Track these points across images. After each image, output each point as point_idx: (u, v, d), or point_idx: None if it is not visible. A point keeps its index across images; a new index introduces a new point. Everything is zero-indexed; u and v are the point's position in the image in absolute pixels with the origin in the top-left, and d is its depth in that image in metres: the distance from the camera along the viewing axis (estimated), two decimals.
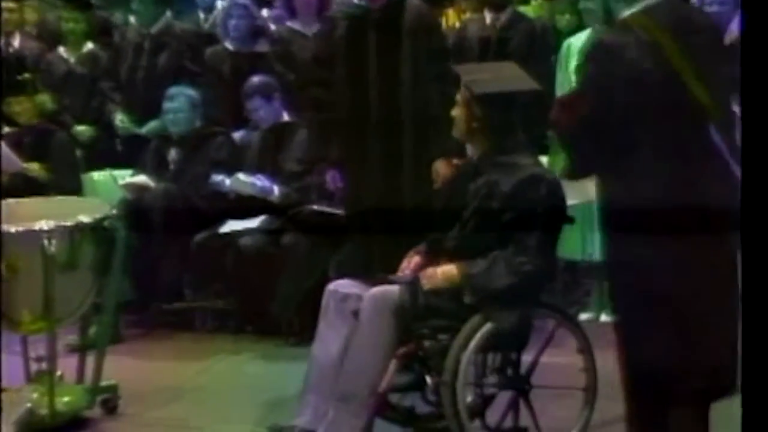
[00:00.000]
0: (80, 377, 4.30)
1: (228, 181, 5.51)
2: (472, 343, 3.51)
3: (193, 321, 5.57)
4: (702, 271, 2.92)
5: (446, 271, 3.59)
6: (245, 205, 5.48)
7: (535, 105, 3.78)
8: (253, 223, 5.44)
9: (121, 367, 4.46)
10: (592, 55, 3.07)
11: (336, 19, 4.85)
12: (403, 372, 3.63)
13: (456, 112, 3.74)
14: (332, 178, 4.89)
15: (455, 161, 4.30)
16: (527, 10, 5.91)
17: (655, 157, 2.93)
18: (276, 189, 5.49)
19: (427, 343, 3.57)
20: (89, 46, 6.36)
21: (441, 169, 4.51)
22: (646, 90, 2.92)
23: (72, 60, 6.34)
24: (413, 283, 3.61)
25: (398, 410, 3.72)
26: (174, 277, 5.54)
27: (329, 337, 3.72)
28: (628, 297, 3.03)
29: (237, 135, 5.86)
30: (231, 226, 5.47)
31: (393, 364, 3.55)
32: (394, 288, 3.62)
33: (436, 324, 3.58)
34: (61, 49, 6.38)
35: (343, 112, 4.73)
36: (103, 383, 4.25)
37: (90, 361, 4.27)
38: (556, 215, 3.64)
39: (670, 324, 2.94)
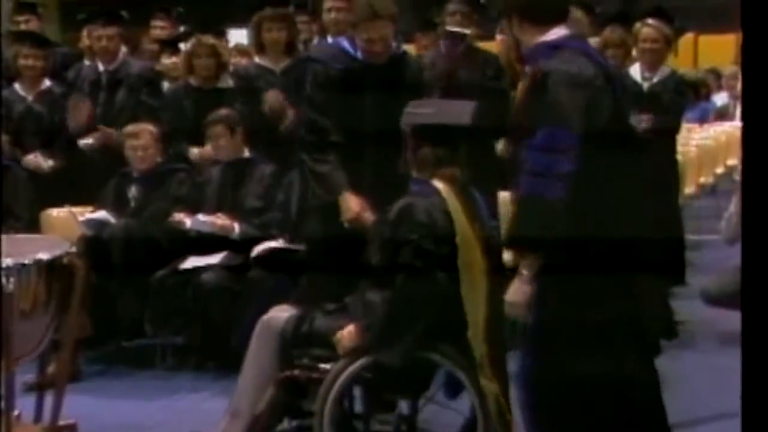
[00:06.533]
0: (38, 416, 4.24)
1: (189, 222, 5.49)
2: (343, 376, 3.58)
3: (153, 358, 5.52)
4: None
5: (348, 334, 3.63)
6: (206, 242, 5.46)
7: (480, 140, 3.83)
8: (215, 259, 5.42)
9: (80, 405, 4.39)
10: None
11: (323, 66, 4.62)
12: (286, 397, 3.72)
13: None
14: None
15: None
16: (492, 47, 5.92)
17: None
18: (237, 226, 5.48)
19: (305, 372, 3.66)
20: (47, 83, 6.32)
21: None
22: None
23: (30, 98, 6.29)
24: (302, 314, 3.72)
25: None
26: (134, 314, 5.48)
27: (247, 358, 3.88)
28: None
29: None
30: (192, 262, 5.44)
31: (270, 388, 3.67)
32: (284, 315, 3.75)
33: (318, 353, 3.67)
34: (17, 86, 6.32)
35: (339, 154, 4.56)
36: (62, 422, 4.19)
37: (48, 399, 4.21)
38: (431, 244, 3.53)
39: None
